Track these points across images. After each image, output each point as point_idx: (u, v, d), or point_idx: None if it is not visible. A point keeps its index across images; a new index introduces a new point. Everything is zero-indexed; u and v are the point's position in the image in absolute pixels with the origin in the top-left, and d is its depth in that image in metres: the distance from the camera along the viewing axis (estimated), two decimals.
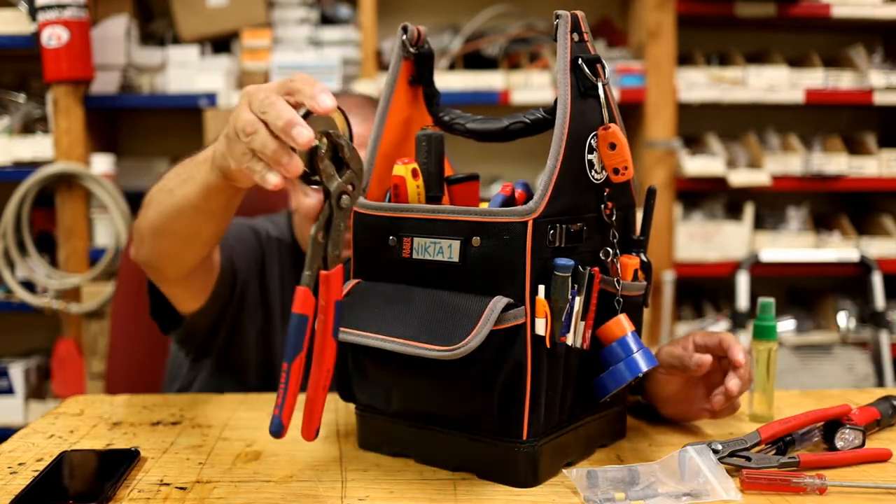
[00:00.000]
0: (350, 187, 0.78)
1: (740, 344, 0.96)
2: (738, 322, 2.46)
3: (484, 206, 0.88)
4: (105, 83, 2.40)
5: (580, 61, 0.84)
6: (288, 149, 0.75)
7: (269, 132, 0.76)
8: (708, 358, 0.93)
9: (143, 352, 1.61)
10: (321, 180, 0.77)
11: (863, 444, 0.92)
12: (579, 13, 0.86)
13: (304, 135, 0.73)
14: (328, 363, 0.78)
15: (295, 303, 0.76)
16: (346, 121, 0.80)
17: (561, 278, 0.80)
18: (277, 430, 0.76)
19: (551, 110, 0.87)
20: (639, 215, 0.95)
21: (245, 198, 1.62)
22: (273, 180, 0.76)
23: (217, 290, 1.23)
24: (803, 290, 2.81)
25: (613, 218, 0.88)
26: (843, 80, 2.55)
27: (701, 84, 2.50)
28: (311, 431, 0.80)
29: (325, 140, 0.77)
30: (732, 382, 0.93)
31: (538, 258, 0.80)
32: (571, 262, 0.81)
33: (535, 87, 2.46)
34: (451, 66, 2.51)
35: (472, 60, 2.53)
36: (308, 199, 1.33)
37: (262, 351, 1.36)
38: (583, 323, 0.86)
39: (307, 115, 0.76)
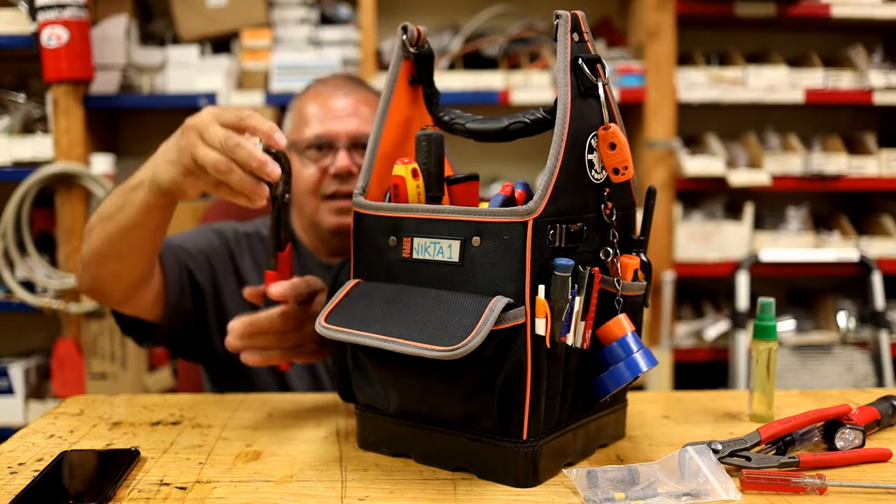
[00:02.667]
0: (287, 186, 1.04)
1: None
2: (738, 322, 2.46)
3: (484, 206, 0.88)
4: (105, 83, 2.40)
5: (580, 61, 0.84)
6: (260, 180, 0.93)
7: (242, 171, 0.91)
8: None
9: None
10: (274, 192, 1.02)
11: (863, 444, 0.92)
12: (579, 13, 0.86)
13: (276, 171, 0.92)
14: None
15: (266, 283, 1.04)
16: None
17: (561, 278, 0.80)
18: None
19: (551, 110, 0.87)
20: (639, 215, 0.95)
21: (243, 208, 1.63)
22: (253, 205, 0.94)
23: (173, 300, 1.26)
24: (803, 290, 2.81)
25: (613, 218, 0.88)
26: (843, 80, 2.55)
27: (701, 84, 2.50)
28: None
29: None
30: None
31: (538, 258, 0.80)
32: (571, 262, 0.81)
33: (534, 87, 2.46)
34: (451, 66, 2.51)
35: (472, 60, 2.53)
36: (306, 171, 1.38)
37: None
38: (583, 323, 0.86)
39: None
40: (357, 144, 1.38)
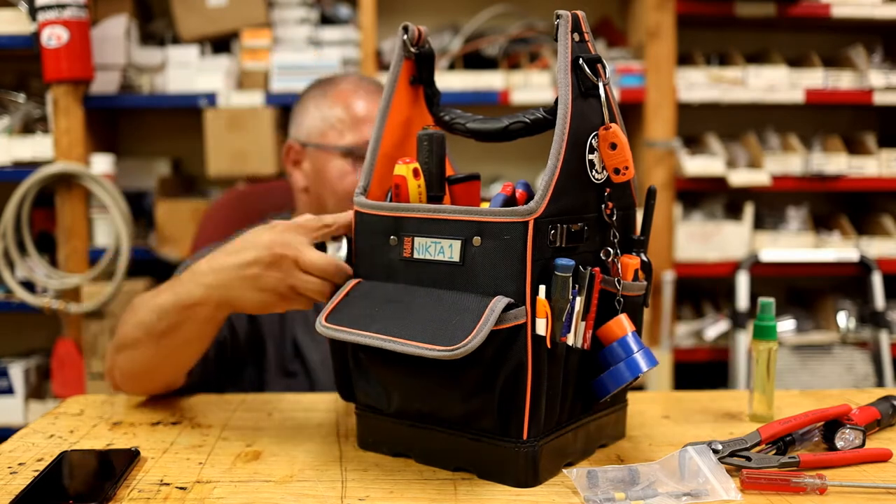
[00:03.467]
0: None
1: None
2: (738, 322, 2.46)
3: (485, 206, 0.88)
4: (105, 83, 2.40)
5: (581, 61, 0.84)
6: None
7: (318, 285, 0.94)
8: None
9: None
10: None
11: (863, 444, 0.92)
12: (580, 13, 0.86)
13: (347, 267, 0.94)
14: None
15: None
16: None
17: (561, 278, 0.80)
18: None
19: (551, 110, 0.87)
20: (639, 215, 0.95)
21: (248, 201, 1.61)
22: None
23: (198, 369, 1.21)
24: (803, 290, 2.81)
25: (614, 218, 0.88)
26: (843, 80, 2.55)
27: (701, 84, 2.50)
28: None
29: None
30: None
31: (539, 258, 0.80)
32: (572, 262, 0.81)
33: (535, 87, 2.46)
34: (451, 66, 2.51)
35: (472, 60, 2.53)
36: (347, 179, 1.37)
37: (280, 341, 1.39)
38: (583, 323, 0.86)
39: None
40: None
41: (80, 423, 1.05)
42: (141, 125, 2.73)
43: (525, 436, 0.82)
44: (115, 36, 2.40)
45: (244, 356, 1.35)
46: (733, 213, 2.63)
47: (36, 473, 0.86)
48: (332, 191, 1.38)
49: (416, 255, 0.86)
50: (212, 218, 1.69)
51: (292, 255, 0.93)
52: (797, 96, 2.51)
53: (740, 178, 2.48)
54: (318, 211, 1.41)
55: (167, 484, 0.85)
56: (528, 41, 2.52)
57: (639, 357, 0.85)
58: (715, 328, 2.52)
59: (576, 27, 0.85)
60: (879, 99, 2.53)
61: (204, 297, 0.99)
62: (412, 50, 0.97)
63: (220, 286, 0.97)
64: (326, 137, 1.39)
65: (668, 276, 2.46)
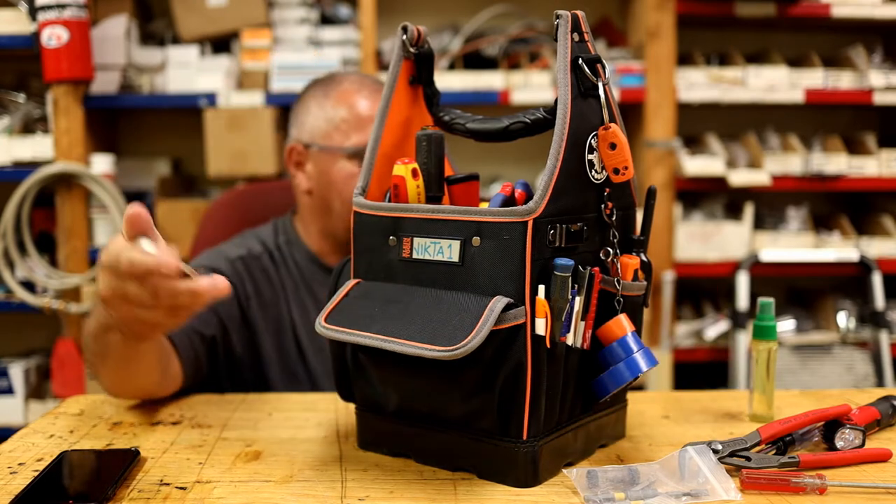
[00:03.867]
0: None
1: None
2: (738, 322, 2.46)
3: (484, 206, 0.88)
4: (105, 83, 2.40)
5: (580, 61, 0.84)
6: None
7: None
8: None
9: None
10: None
11: (863, 444, 0.92)
12: (580, 13, 0.86)
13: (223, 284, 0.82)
14: None
15: None
16: None
17: (561, 278, 0.80)
18: None
19: (551, 110, 0.87)
20: (639, 215, 0.95)
21: (248, 201, 1.60)
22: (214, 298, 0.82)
23: (189, 371, 1.19)
24: (803, 290, 2.81)
25: (613, 218, 0.88)
26: (843, 80, 2.55)
27: (701, 84, 2.50)
28: None
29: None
30: None
31: (538, 258, 0.80)
32: (571, 262, 0.81)
33: (535, 87, 2.46)
34: (451, 66, 2.51)
35: (472, 60, 2.53)
36: (353, 182, 1.34)
37: (280, 339, 1.39)
38: (583, 323, 0.86)
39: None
40: None
41: (80, 423, 1.05)
42: (141, 125, 2.73)
43: (525, 436, 0.82)
44: (115, 36, 2.40)
45: (240, 355, 1.35)
46: (733, 213, 2.63)
47: (36, 473, 0.86)
48: (338, 193, 1.37)
49: (415, 256, 0.86)
50: (212, 218, 1.69)
51: (112, 260, 0.82)
52: (797, 96, 2.51)
53: (740, 178, 2.48)
54: (323, 213, 1.41)
55: (167, 484, 0.85)
56: (528, 41, 2.52)
57: (639, 357, 0.85)
58: (715, 328, 2.52)
59: (575, 27, 0.85)
60: (879, 99, 2.53)
61: (108, 323, 0.95)
62: (411, 50, 0.97)
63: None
64: (331, 139, 1.37)
65: (668, 276, 2.46)
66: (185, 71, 2.43)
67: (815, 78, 2.53)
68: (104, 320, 0.96)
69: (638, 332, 0.89)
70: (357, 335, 0.83)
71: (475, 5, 2.64)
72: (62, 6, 2.23)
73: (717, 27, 2.75)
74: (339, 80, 1.42)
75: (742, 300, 2.45)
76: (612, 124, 0.85)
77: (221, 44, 2.53)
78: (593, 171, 0.85)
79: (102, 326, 0.98)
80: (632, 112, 2.56)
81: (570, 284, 0.81)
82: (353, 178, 1.36)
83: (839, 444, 0.92)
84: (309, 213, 1.43)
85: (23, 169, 2.34)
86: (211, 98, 2.39)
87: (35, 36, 2.29)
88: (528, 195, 0.88)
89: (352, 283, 0.91)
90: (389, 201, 0.93)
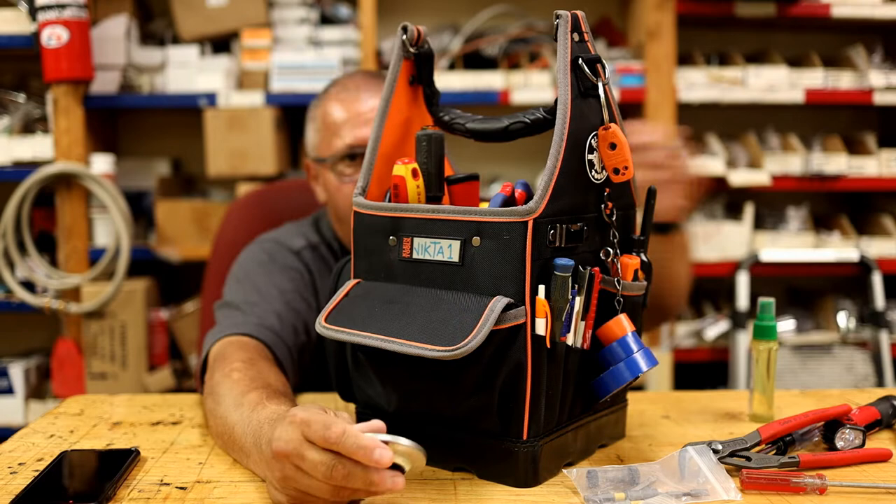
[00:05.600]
0: None
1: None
2: (738, 322, 2.46)
3: (484, 206, 0.88)
4: (105, 83, 2.40)
5: (580, 61, 0.84)
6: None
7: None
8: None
9: None
10: None
11: (863, 444, 0.92)
12: (579, 13, 0.86)
13: (387, 456, 0.73)
14: None
15: None
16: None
17: (561, 278, 0.80)
18: None
19: (551, 110, 0.87)
20: (639, 215, 0.95)
21: (267, 201, 1.57)
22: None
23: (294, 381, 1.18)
24: (803, 290, 2.81)
25: (613, 218, 0.88)
26: (843, 80, 2.55)
27: (700, 84, 2.50)
28: None
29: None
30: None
31: (538, 258, 0.80)
32: (571, 262, 0.81)
33: (534, 87, 2.46)
34: (451, 66, 2.51)
35: (472, 60, 2.53)
36: (346, 189, 1.30)
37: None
38: (583, 323, 0.86)
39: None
40: None
41: (80, 423, 1.05)
42: (141, 125, 2.73)
43: (525, 436, 0.82)
44: (115, 36, 2.40)
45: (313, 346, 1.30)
46: (733, 213, 2.63)
47: (36, 473, 0.86)
48: (332, 205, 1.35)
49: (415, 256, 0.86)
50: (232, 218, 1.68)
51: (290, 454, 0.75)
52: (797, 96, 2.50)
53: (740, 178, 2.48)
54: (337, 222, 1.37)
55: (167, 484, 0.85)
56: (528, 41, 2.52)
57: (639, 357, 0.85)
58: (715, 328, 2.52)
59: (575, 27, 0.85)
60: (879, 99, 2.53)
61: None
62: (411, 50, 0.97)
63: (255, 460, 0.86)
64: (319, 151, 1.36)
65: None
66: (184, 71, 2.43)
67: (815, 78, 2.53)
68: (249, 465, 0.88)
69: (638, 332, 0.89)
70: (357, 335, 0.83)
71: (475, 5, 2.64)
72: (62, 6, 2.23)
73: (717, 27, 2.74)
74: (328, 89, 1.40)
75: (742, 300, 2.45)
76: (612, 124, 0.85)
77: (221, 44, 2.53)
78: (593, 171, 0.85)
79: (244, 462, 0.89)
80: (632, 112, 2.56)
81: (570, 284, 0.81)
82: (339, 190, 1.31)
83: (839, 444, 0.92)
84: (332, 220, 1.41)
85: (23, 169, 2.34)
86: (211, 98, 2.39)
87: (35, 36, 2.28)
88: (528, 195, 0.88)
89: (352, 282, 0.91)
90: (389, 201, 0.93)
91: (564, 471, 0.86)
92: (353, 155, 1.30)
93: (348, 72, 1.45)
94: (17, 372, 2.42)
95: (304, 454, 0.73)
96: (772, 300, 1.04)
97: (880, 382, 2.45)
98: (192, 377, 2.36)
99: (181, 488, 0.84)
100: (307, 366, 1.27)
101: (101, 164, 2.39)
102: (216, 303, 1.28)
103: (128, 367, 2.37)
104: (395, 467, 0.75)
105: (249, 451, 0.86)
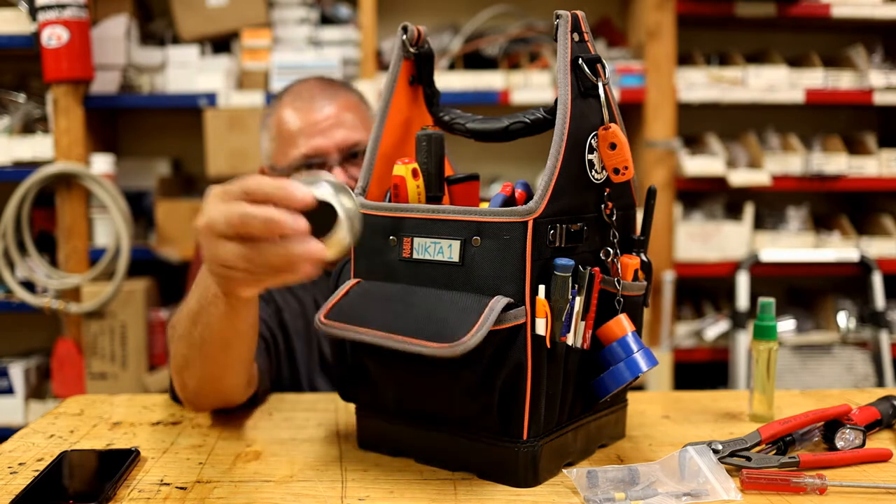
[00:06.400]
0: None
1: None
2: (738, 322, 2.46)
3: (484, 206, 0.88)
4: (105, 83, 2.40)
5: (580, 61, 0.84)
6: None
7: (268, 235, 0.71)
8: None
9: None
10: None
11: (863, 444, 0.92)
12: (579, 13, 0.86)
13: (302, 196, 0.70)
14: None
15: None
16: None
17: (561, 278, 0.80)
18: None
19: (551, 110, 0.87)
20: (639, 215, 0.95)
21: None
22: (323, 262, 0.72)
23: (270, 379, 1.17)
24: (803, 290, 2.81)
25: (614, 218, 0.88)
26: (843, 80, 2.55)
27: (701, 84, 2.50)
28: None
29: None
30: None
31: (538, 258, 0.80)
32: (571, 262, 0.81)
33: (535, 87, 2.46)
34: (451, 66, 2.51)
35: (472, 60, 2.53)
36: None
37: (307, 346, 1.35)
38: (583, 323, 0.86)
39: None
40: (350, 155, 1.32)
41: (80, 423, 1.05)
42: (141, 125, 2.73)
43: (525, 436, 0.82)
44: (115, 36, 2.40)
45: (279, 357, 1.31)
46: (733, 213, 2.63)
47: (36, 473, 0.86)
48: None
49: (415, 256, 0.86)
50: None
51: (205, 220, 0.74)
52: (797, 96, 2.51)
53: (740, 178, 2.48)
54: None
55: (167, 484, 0.85)
56: (528, 41, 2.52)
57: (639, 357, 0.85)
58: (715, 328, 2.52)
59: (575, 27, 0.85)
60: (879, 99, 2.53)
61: (214, 290, 0.86)
62: (411, 50, 0.97)
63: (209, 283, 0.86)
64: (274, 160, 1.35)
65: (668, 276, 2.46)
66: (185, 71, 2.43)
67: (815, 78, 2.53)
68: (208, 287, 0.87)
69: (638, 332, 0.89)
70: (357, 332, 0.83)
71: (475, 5, 2.64)
72: (62, 6, 2.23)
73: (717, 27, 2.75)
74: (281, 96, 1.38)
75: (742, 300, 2.45)
76: (612, 124, 0.85)
77: (221, 44, 2.53)
78: (593, 171, 0.85)
79: (205, 297, 0.88)
80: (632, 112, 2.56)
81: (570, 284, 0.81)
82: None
83: (839, 444, 0.92)
84: None
85: (23, 169, 2.35)
86: (211, 98, 2.39)
87: (35, 36, 2.29)
88: (528, 195, 0.88)
89: (352, 282, 0.91)
90: (389, 201, 0.93)
91: (564, 471, 0.86)
92: (310, 164, 1.30)
93: (301, 77, 1.43)
94: (17, 372, 2.42)
95: (215, 213, 0.72)
96: (772, 300, 1.04)
97: (880, 382, 2.45)
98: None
99: (181, 488, 0.84)
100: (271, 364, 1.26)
101: (101, 164, 2.39)
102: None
103: (128, 367, 2.37)
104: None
105: (203, 274, 0.86)
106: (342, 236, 0.71)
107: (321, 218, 0.71)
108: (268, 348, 1.23)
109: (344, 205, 0.71)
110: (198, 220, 0.75)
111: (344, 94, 1.37)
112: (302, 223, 0.70)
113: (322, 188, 0.72)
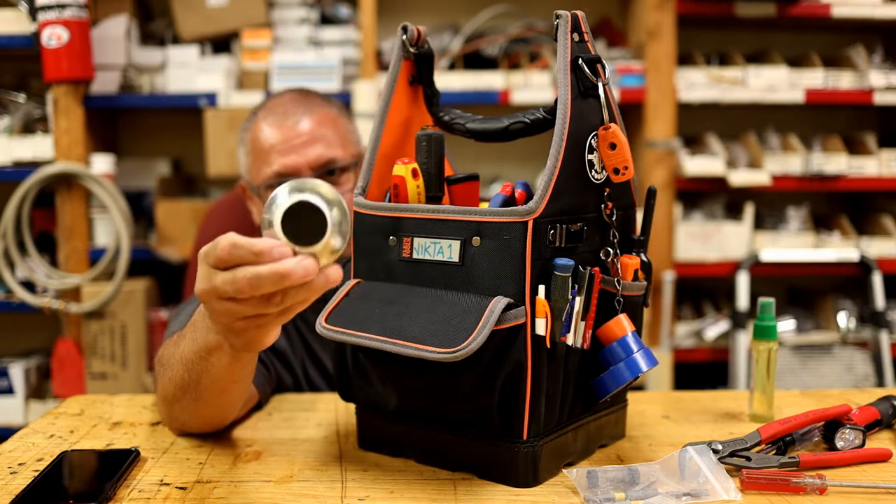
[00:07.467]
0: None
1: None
2: (738, 322, 2.46)
3: (484, 206, 0.88)
4: (105, 83, 2.40)
5: (580, 61, 0.84)
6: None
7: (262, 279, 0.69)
8: None
9: None
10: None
11: (863, 444, 0.92)
12: (579, 13, 0.86)
13: (284, 261, 0.69)
14: None
15: None
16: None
17: (561, 278, 0.80)
18: None
19: (551, 110, 0.87)
20: (639, 215, 0.95)
21: (245, 208, 1.56)
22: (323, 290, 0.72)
23: (265, 393, 1.15)
24: (803, 290, 2.81)
25: (613, 218, 0.88)
26: (843, 80, 2.55)
27: (701, 84, 2.50)
28: None
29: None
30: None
31: (538, 258, 0.80)
32: (571, 262, 0.81)
33: (535, 87, 2.46)
34: (451, 66, 2.51)
35: (472, 60, 2.53)
36: None
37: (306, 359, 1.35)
38: (583, 323, 0.86)
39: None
40: (327, 172, 1.30)
41: (80, 423, 1.05)
42: (141, 125, 2.73)
43: (525, 436, 0.82)
44: (115, 36, 2.40)
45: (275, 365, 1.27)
46: (733, 213, 2.63)
47: (36, 473, 0.86)
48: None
49: (415, 256, 0.86)
50: (213, 218, 1.69)
51: (206, 287, 0.74)
52: (797, 96, 2.50)
53: (740, 178, 2.48)
54: None
55: (167, 484, 0.85)
56: (528, 41, 2.52)
57: (639, 357, 0.85)
58: (715, 328, 2.52)
59: (575, 27, 0.85)
60: (879, 99, 2.53)
61: (217, 343, 0.84)
62: (411, 50, 0.97)
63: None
64: (250, 177, 1.35)
65: (668, 276, 2.46)
66: (185, 71, 2.43)
67: (815, 78, 2.53)
68: (208, 340, 0.84)
69: (638, 332, 0.89)
70: (357, 336, 0.83)
71: (475, 5, 2.64)
72: (62, 6, 2.23)
73: (717, 27, 2.74)
74: (256, 111, 1.37)
75: (742, 300, 2.45)
76: (612, 124, 0.85)
77: (221, 44, 2.53)
78: (593, 171, 0.85)
79: (205, 348, 0.85)
80: (632, 112, 2.56)
81: (570, 284, 0.81)
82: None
83: (839, 444, 0.92)
84: None
85: (23, 169, 2.34)
86: (211, 98, 2.39)
87: (35, 36, 2.28)
88: (528, 195, 0.88)
89: (352, 283, 0.91)
90: (389, 201, 0.93)
91: (564, 471, 0.86)
92: (282, 182, 1.28)
93: (277, 91, 1.42)
94: (17, 372, 2.42)
95: (214, 281, 0.72)
96: (772, 300, 1.04)
97: (880, 382, 2.45)
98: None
99: (181, 488, 0.84)
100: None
101: (102, 164, 2.39)
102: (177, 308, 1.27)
103: (128, 367, 2.37)
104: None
105: (198, 324, 0.85)
106: (332, 242, 0.71)
107: (309, 223, 0.71)
108: (265, 364, 1.19)
109: (332, 210, 0.71)
110: (196, 288, 0.76)
111: (321, 108, 1.34)
112: (287, 259, 0.69)
113: (307, 194, 0.71)
